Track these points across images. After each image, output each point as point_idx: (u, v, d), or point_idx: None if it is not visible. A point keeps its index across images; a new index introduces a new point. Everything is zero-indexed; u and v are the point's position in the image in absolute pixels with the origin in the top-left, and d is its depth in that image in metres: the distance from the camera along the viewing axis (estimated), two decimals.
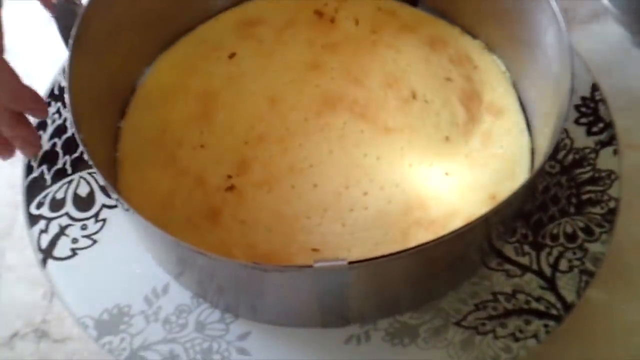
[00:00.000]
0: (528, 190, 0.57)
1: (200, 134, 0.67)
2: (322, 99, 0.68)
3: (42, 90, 0.70)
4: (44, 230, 0.64)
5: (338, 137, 0.66)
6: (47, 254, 0.63)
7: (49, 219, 0.65)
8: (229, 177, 0.65)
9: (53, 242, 0.64)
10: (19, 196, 0.66)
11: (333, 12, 0.74)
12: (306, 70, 0.70)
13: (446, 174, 0.64)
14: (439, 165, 0.64)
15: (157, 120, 0.68)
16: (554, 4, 0.58)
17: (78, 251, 0.63)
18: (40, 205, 0.65)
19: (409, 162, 0.65)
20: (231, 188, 0.64)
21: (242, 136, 0.67)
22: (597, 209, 0.63)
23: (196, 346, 0.59)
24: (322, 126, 0.67)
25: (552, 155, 0.63)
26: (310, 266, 0.49)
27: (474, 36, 0.72)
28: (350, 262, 0.49)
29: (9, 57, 0.75)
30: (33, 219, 0.65)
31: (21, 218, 0.65)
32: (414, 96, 0.68)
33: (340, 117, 0.67)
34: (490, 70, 0.69)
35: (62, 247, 0.63)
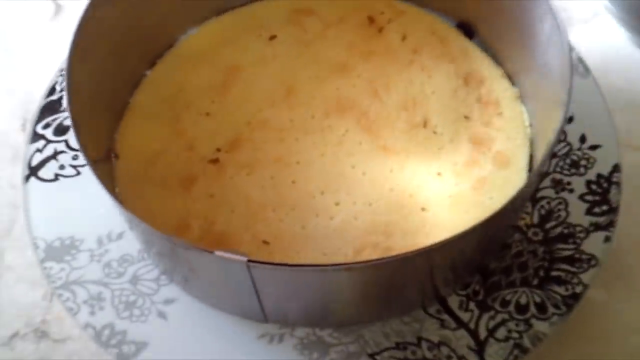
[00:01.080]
0: (475, 238, 0.54)
1: (211, 103, 0.68)
2: (336, 102, 0.68)
3: (41, 89, 0.71)
4: (39, 150, 0.67)
5: (335, 143, 0.66)
6: (33, 172, 0.66)
7: (49, 141, 0.68)
8: (218, 150, 0.66)
9: (43, 163, 0.67)
10: (19, 196, 0.67)
11: (385, 22, 0.73)
12: (333, 70, 0.70)
13: (423, 209, 0.62)
14: (419, 197, 0.63)
15: (178, 80, 0.70)
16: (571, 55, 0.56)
17: (60, 177, 0.66)
18: (46, 126, 0.69)
19: (392, 186, 0.63)
20: (215, 161, 0.65)
21: (247, 116, 0.68)
22: (561, 289, 0.60)
23: (123, 296, 0.61)
24: (324, 128, 0.67)
25: (540, 224, 0.61)
26: (211, 252, 0.49)
27: (514, 83, 0.69)
28: (250, 260, 0.49)
29: (9, 57, 0.79)
30: (35, 137, 0.68)
31: (21, 218, 0.66)
32: (424, 124, 0.66)
33: (345, 124, 0.67)
34: (514, 121, 0.67)
35: (48, 170, 0.67)
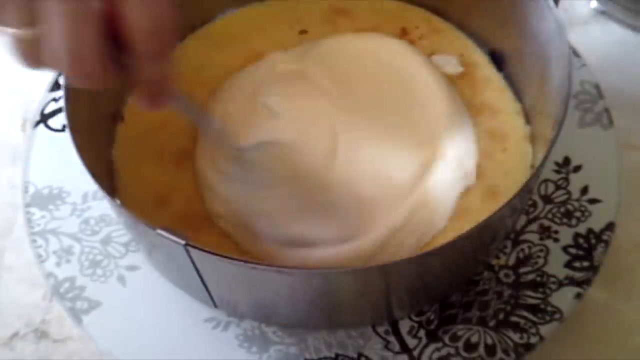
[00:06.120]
0: (433, 263, 0.52)
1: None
2: None
3: (41, 89, 0.72)
4: (56, 100, 0.70)
5: None
6: (44, 119, 0.69)
7: None
8: None
9: (54, 113, 0.69)
10: (19, 196, 0.67)
11: (416, 37, 0.72)
12: None
13: None
14: None
15: (203, 57, 0.71)
16: None
17: (67, 129, 0.68)
18: None
19: None
20: None
21: None
22: (516, 336, 0.58)
23: (91, 254, 0.63)
24: None
25: (514, 266, 0.60)
26: (154, 228, 0.50)
27: (528, 121, 0.67)
28: (187, 244, 0.49)
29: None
30: (56, 86, 0.70)
31: (21, 219, 0.66)
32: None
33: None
34: (517, 160, 0.64)
35: (58, 121, 0.69)
